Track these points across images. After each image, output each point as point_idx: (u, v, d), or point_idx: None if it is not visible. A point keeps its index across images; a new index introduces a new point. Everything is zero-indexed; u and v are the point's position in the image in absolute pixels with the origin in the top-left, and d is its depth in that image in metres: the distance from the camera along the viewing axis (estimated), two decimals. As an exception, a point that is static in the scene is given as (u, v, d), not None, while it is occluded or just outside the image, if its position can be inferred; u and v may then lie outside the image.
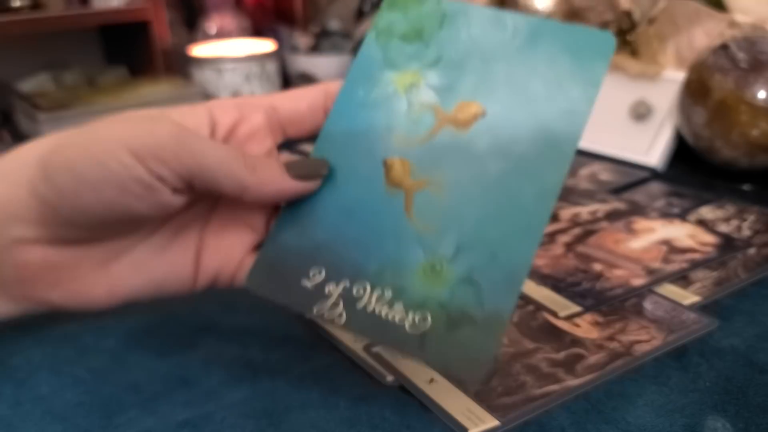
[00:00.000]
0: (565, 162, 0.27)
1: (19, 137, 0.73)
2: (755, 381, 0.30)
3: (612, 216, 0.47)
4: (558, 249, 0.42)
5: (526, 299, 0.37)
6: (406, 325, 0.26)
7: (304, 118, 0.31)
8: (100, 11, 0.81)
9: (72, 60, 0.88)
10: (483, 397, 0.29)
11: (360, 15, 0.96)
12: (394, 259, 0.27)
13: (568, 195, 0.51)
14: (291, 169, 0.28)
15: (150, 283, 0.29)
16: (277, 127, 0.31)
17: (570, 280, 0.39)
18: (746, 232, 0.44)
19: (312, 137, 0.31)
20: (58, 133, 0.27)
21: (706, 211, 0.48)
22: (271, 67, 0.83)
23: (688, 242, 0.43)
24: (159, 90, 0.74)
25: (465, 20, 0.30)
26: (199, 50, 0.83)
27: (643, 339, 0.33)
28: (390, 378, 0.31)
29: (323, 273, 0.28)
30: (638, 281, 0.38)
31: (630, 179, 0.55)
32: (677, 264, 0.40)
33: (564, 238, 0.44)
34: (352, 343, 0.33)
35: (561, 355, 0.32)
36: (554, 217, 0.47)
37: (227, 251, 0.30)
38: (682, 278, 0.39)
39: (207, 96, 0.79)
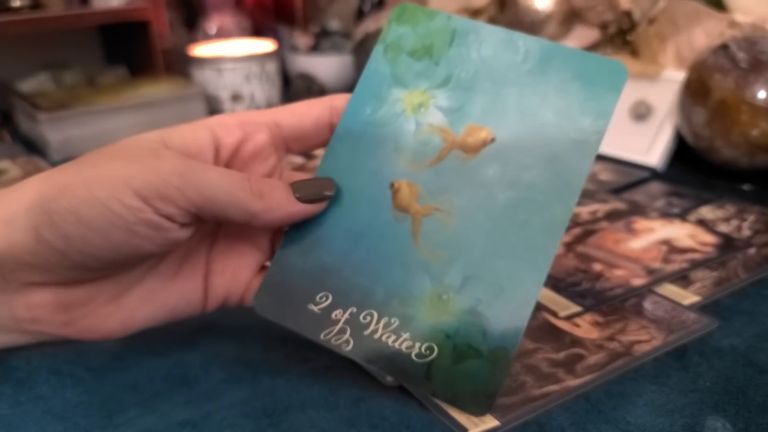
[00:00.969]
0: (574, 194, 0.27)
1: (19, 137, 0.73)
2: (755, 381, 0.30)
3: (612, 216, 0.47)
4: (558, 249, 0.42)
5: (526, 299, 0.37)
6: (413, 354, 0.26)
7: (309, 134, 0.31)
8: (100, 11, 0.81)
9: (72, 60, 0.88)
10: (483, 397, 0.29)
11: (360, 15, 0.96)
12: (401, 287, 0.27)
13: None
14: (297, 191, 0.28)
15: (162, 310, 0.29)
16: (281, 144, 0.31)
17: (570, 280, 0.39)
18: (746, 232, 0.44)
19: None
20: (56, 169, 0.26)
21: (706, 211, 0.48)
22: (271, 67, 0.83)
23: (688, 242, 0.43)
24: (159, 90, 0.74)
25: (476, 39, 0.30)
26: (199, 50, 0.83)
27: (643, 339, 0.33)
28: (390, 378, 0.31)
29: (330, 298, 0.28)
30: (638, 281, 0.38)
31: (630, 179, 0.55)
32: (677, 264, 0.40)
33: (564, 238, 0.44)
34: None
35: (561, 355, 0.32)
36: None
37: (235, 273, 0.30)
38: (682, 278, 0.39)
39: (207, 96, 0.79)
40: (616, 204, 0.49)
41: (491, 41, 0.29)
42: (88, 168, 0.25)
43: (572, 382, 0.30)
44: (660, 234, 0.44)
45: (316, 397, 0.30)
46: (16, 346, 0.29)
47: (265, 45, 0.86)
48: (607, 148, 0.61)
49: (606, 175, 0.56)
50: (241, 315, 0.36)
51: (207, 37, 0.93)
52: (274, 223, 0.28)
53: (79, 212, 0.24)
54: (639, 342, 0.33)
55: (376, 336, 0.27)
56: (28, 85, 0.78)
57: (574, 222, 0.46)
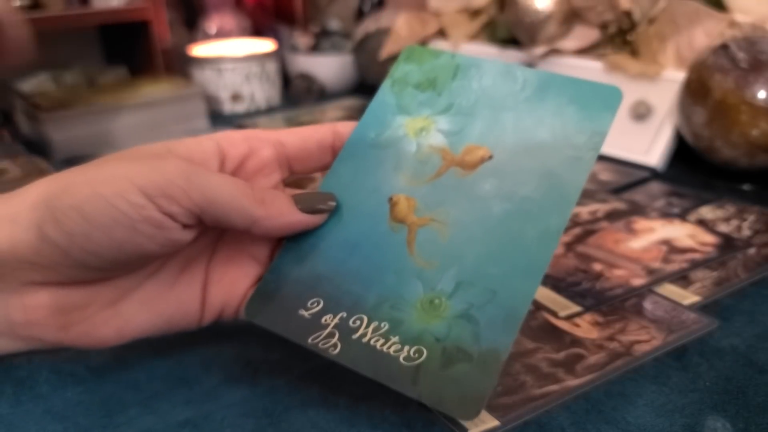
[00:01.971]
0: (568, 205, 0.27)
1: (20, 137, 0.73)
2: (755, 381, 0.30)
3: (612, 216, 0.47)
4: (558, 249, 0.42)
5: (526, 299, 0.37)
6: (401, 358, 0.26)
7: (312, 155, 0.31)
8: (100, 11, 0.81)
9: (72, 60, 0.88)
10: (483, 397, 0.29)
11: (360, 15, 0.96)
12: (393, 292, 0.27)
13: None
14: (299, 203, 0.29)
15: (159, 320, 0.29)
16: (285, 163, 0.31)
17: (570, 280, 0.39)
18: (746, 232, 0.44)
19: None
20: (61, 172, 0.27)
21: (706, 211, 0.48)
22: (271, 67, 0.83)
23: (688, 242, 0.43)
24: (159, 90, 0.74)
25: (477, 72, 0.31)
26: (199, 50, 0.83)
27: (643, 339, 0.33)
28: (390, 378, 0.31)
29: (321, 303, 0.28)
30: (638, 281, 0.38)
31: (630, 179, 0.55)
32: (677, 264, 0.40)
33: (564, 238, 0.44)
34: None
35: (561, 355, 0.32)
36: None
37: (232, 284, 0.30)
38: (682, 278, 0.39)
39: (207, 96, 0.79)
40: (616, 204, 0.49)
41: (492, 72, 0.31)
42: (93, 169, 0.26)
43: (572, 382, 0.30)
44: (660, 234, 0.44)
45: (316, 397, 0.30)
46: (7, 353, 0.29)
47: (265, 45, 0.86)
48: (607, 148, 0.61)
49: (606, 175, 0.56)
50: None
51: (207, 37, 0.93)
52: (274, 230, 0.28)
53: (82, 209, 0.24)
54: (639, 342, 0.33)
55: (365, 340, 0.26)
56: (28, 85, 0.78)
57: (574, 222, 0.46)
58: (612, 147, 0.60)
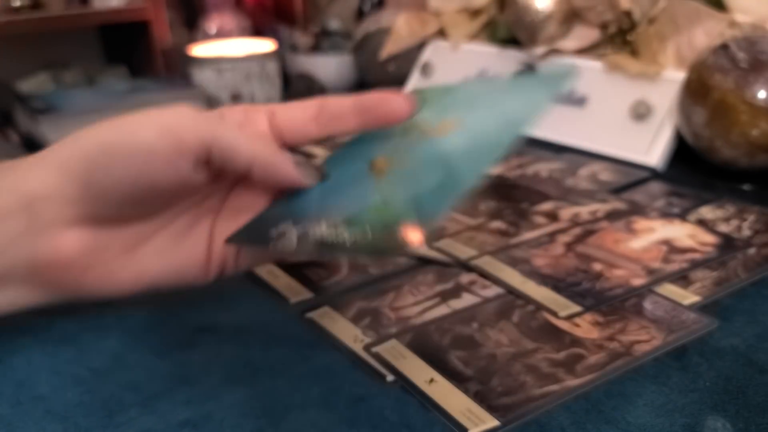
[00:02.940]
0: (514, 136, 0.30)
1: (20, 137, 0.73)
2: (755, 381, 0.30)
3: (612, 216, 0.47)
4: (558, 249, 0.42)
5: (526, 299, 0.37)
6: (347, 241, 0.28)
7: (297, 125, 0.33)
8: (100, 11, 0.81)
9: (72, 60, 0.88)
10: (483, 397, 0.29)
11: (360, 15, 0.96)
12: (352, 204, 0.30)
13: (568, 195, 0.51)
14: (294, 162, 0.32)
15: (170, 270, 0.32)
16: (278, 133, 0.33)
17: (570, 280, 0.39)
18: (746, 232, 0.44)
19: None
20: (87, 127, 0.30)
21: (706, 211, 0.48)
22: (271, 67, 0.83)
23: (688, 242, 0.43)
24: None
25: (463, 86, 0.36)
26: (199, 50, 0.83)
27: (643, 339, 0.33)
28: (390, 378, 0.31)
29: (290, 221, 0.31)
30: (638, 281, 0.38)
31: (630, 179, 0.55)
32: (677, 264, 0.40)
33: (564, 238, 0.44)
34: (352, 342, 0.33)
35: (561, 355, 0.32)
36: (554, 217, 0.47)
37: None
38: (682, 278, 0.39)
39: (207, 96, 0.79)
40: (616, 204, 0.49)
41: (474, 82, 0.37)
42: (115, 119, 0.29)
43: (572, 382, 0.30)
44: (660, 234, 0.44)
45: (316, 397, 0.30)
46: (20, 308, 0.30)
47: (265, 45, 0.86)
48: (607, 147, 0.61)
49: (606, 175, 0.56)
50: (242, 315, 0.37)
51: (207, 37, 0.93)
52: (270, 175, 0.31)
53: (103, 147, 0.28)
54: (639, 342, 0.33)
55: (318, 234, 0.29)
56: (28, 85, 0.78)
57: (574, 222, 0.46)
58: (612, 147, 0.60)
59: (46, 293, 0.30)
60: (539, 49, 0.66)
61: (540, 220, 0.47)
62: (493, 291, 0.38)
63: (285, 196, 0.32)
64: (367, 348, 0.33)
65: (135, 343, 0.34)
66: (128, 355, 0.33)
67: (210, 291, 0.33)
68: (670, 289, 0.37)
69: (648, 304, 0.36)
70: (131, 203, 0.29)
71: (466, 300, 0.37)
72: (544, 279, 0.39)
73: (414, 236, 0.27)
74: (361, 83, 0.89)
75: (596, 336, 0.33)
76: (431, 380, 0.30)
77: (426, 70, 0.79)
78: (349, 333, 0.34)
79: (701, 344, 0.33)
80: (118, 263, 0.30)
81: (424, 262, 0.41)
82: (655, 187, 0.54)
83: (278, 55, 0.86)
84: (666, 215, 0.47)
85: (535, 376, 0.30)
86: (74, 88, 0.79)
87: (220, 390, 0.30)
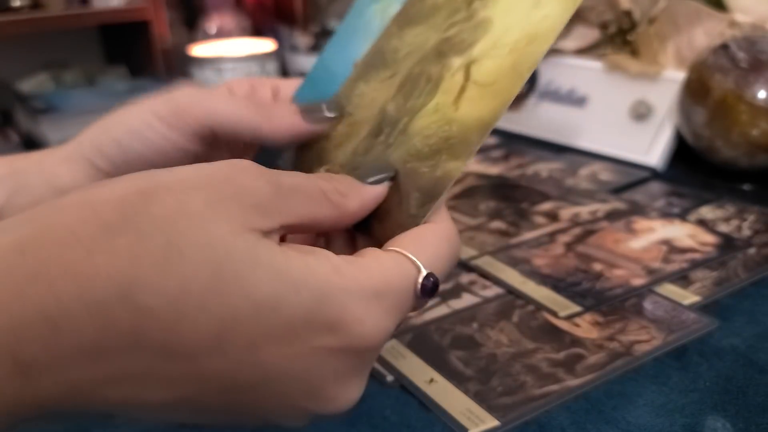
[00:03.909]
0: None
1: (20, 137, 0.73)
2: (755, 381, 0.30)
3: (612, 216, 0.47)
4: (558, 249, 0.42)
5: (526, 299, 0.37)
6: None
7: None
8: (100, 11, 0.81)
9: (72, 60, 0.88)
10: (483, 397, 0.29)
11: (360, 15, 0.96)
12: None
13: (568, 195, 0.51)
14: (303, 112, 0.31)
15: None
16: None
17: (570, 280, 0.39)
18: (746, 232, 0.44)
19: None
20: (102, 118, 0.32)
21: (706, 211, 0.48)
22: (271, 67, 0.83)
23: (688, 242, 0.43)
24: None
25: None
26: (199, 50, 0.83)
27: (643, 339, 0.33)
28: (390, 378, 0.31)
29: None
30: (638, 281, 0.38)
31: (630, 179, 0.55)
32: (677, 264, 0.40)
33: (564, 238, 0.44)
34: (352, 342, 0.33)
35: (561, 355, 0.32)
36: (554, 217, 0.47)
37: None
38: (682, 278, 0.39)
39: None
40: (616, 204, 0.49)
41: None
42: (127, 108, 0.31)
43: (572, 382, 0.30)
44: (660, 234, 0.44)
45: (316, 397, 0.29)
46: None
47: (265, 45, 0.86)
48: (607, 147, 0.61)
49: (606, 175, 0.56)
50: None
51: (207, 37, 0.93)
52: (280, 136, 0.30)
53: (119, 141, 0.30)
54: (639, 342, 0.33)
55: None
56: (28, 84, 0.78)
57: (574, 222, 0.46)
58: (612, 147, 0.60)
59: None
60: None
61: (540, 220, 0.47)
62: (493, 291, 0.38)
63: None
64: (367, 348, 0.33)
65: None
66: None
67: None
68: (670, 289, 0.37)
69: (648, 304, 0.36)
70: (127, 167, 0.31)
71: (466, 300, 0.37)
72: (544, 279, 0.39)
73: None
74: (361, 83, 0.89)
75: (596, 336, 0.33)
76: (431, 380, 0.30)
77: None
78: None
79: (701, 344, 0.33)
80: None
81: None
82: (655, 187, 0.54)
83: (278, 55, 0.86)
84: (666, 215, 0.47)
85: (535, 376, 0.30)
86: (74, 88, 0.79)
87: (220, 390, 0.30)
